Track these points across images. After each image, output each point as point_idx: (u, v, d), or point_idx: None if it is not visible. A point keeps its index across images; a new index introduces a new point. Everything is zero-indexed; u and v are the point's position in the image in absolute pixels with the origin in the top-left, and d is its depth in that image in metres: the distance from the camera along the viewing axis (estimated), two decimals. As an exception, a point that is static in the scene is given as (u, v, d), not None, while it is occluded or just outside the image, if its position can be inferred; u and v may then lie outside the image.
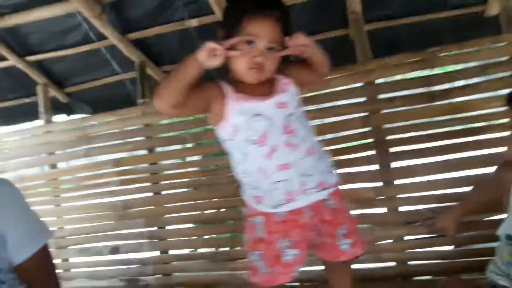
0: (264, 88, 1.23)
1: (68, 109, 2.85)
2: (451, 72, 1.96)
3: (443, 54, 1.89)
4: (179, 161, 2.52)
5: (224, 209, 2.24)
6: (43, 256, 1.35)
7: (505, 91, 1.54)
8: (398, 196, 1.98)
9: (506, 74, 1.85)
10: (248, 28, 1.16)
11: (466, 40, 1.92)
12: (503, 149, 1.26)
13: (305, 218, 1.28)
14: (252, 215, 1.33)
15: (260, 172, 1.26)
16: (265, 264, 1.31)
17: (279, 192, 1.25)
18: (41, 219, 1.35)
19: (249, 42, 1.16)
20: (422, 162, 1.95)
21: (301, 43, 1.20)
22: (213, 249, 2.27)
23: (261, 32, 1.16)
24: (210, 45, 1.10)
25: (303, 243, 1.31)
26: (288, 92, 1.26)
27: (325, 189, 1.29)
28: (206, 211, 2.31)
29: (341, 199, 1.34)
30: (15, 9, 2.12)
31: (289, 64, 1.31)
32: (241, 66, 1.19)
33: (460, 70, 1.94)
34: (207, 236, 2.31)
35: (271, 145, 1.21)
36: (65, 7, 2.03)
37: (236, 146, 1.28)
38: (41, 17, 2.13)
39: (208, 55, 1.11)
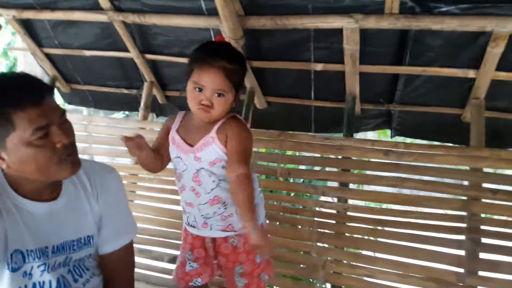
0: (201, 132, 1.39)
1: (159, 110, 2.92)
2: None
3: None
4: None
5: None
6: (127, 252, 1.39)
7: None
8: (479, 287, 1.95)
9: None
10: (197, 77, 1.33)
11: None
12: None
13: (207, 245, 1.51)
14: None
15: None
16: (177, 263, 1.59)
17: (189, 216, 1.50)
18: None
19: (199, 89, 1.32)
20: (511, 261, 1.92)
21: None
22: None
23: (206, 81, 1.32)
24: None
25: (206, 264, 1.51)
26: (207, 149, 1.38)
27: (228, 232, 1.46)
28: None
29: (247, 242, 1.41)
30: (157, 11, 2.21)
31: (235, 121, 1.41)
32: (191, 106, 1.38)
33: None
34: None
35: (182, 184, 1.46)
36: (208, 22, 2.10)
37: None
38: (179, 24, 2.21)
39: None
